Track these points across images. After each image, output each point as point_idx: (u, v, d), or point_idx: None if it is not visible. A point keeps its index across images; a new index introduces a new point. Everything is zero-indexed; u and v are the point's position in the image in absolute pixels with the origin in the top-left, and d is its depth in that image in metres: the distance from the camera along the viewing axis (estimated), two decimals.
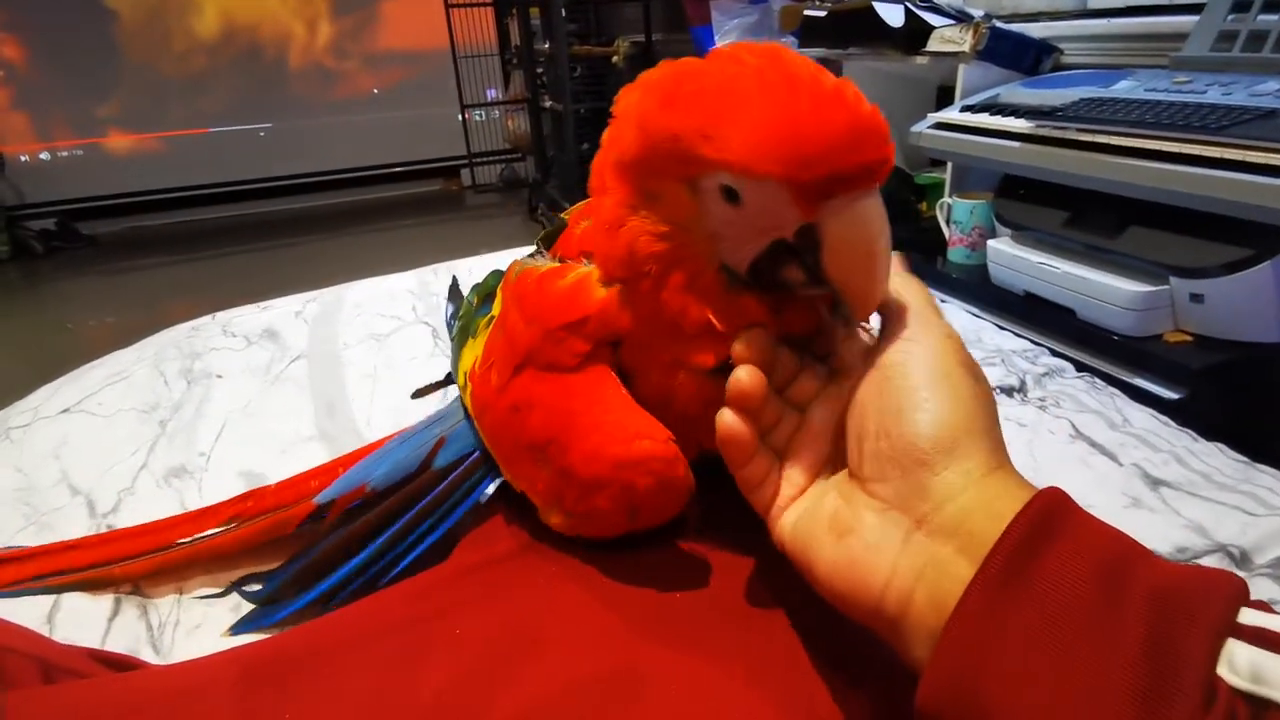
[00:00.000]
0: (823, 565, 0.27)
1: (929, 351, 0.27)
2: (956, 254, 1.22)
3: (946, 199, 1.26)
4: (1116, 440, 0.56)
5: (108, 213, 4.04)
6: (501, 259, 1.11)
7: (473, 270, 1.12)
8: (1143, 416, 0.60)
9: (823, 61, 1.96)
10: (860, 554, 0.25)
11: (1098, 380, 0.67)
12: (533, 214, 3.66)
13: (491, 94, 4.24)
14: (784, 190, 0.26)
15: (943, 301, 0.88)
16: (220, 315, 1.06)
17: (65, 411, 0.74)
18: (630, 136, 0.29)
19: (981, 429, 0.25)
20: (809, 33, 1.62)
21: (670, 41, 3.08)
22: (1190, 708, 0.17)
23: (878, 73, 1.59)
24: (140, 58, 3.90)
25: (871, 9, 1.39)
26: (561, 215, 0.43)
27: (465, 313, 0.47)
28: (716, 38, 1.94)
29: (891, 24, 1.35)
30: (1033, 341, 0.80)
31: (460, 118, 4.15)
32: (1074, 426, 0.58)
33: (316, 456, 0.64)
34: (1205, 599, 0.19)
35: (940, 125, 1.22)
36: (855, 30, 1.48)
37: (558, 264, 0.35)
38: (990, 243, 1.10)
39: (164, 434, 0.69)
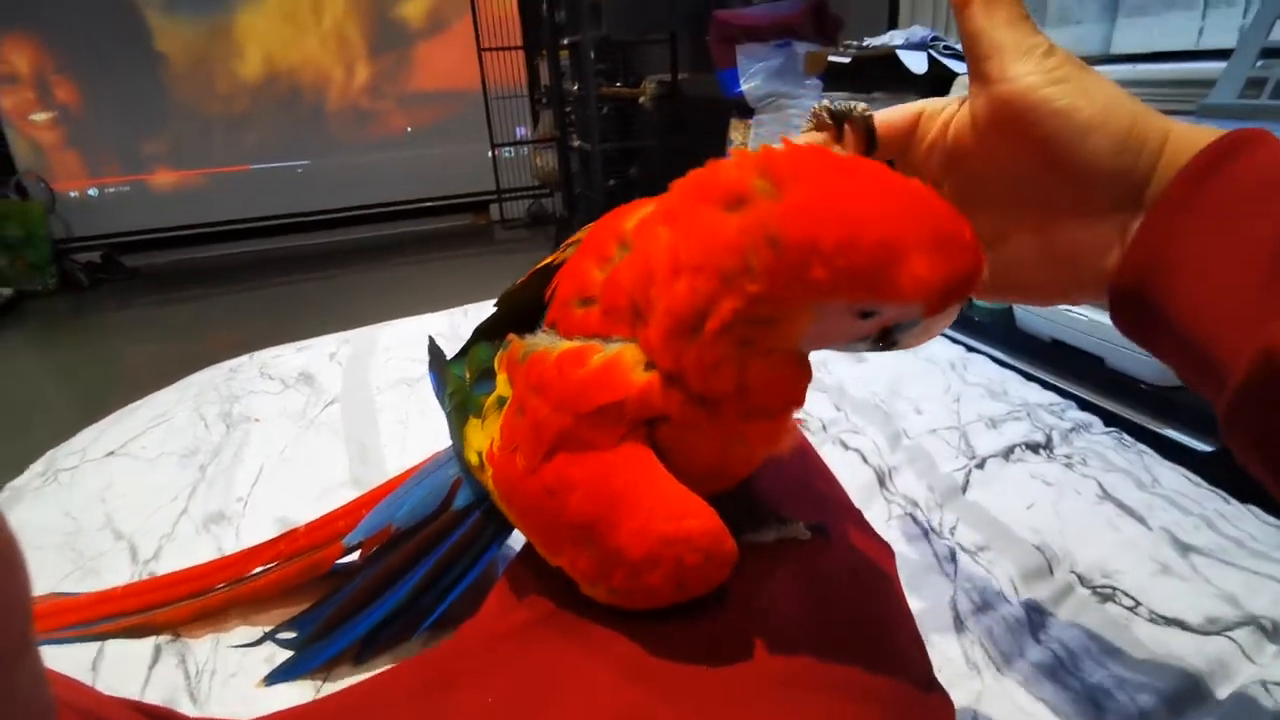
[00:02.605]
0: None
1: (1040, 78, 0.27)
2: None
3: None
4: (1145, 502, 0.56)
5: (151, 246, 4.19)
6: None
7: None
8: (1173, 476, 0.60)
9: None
10: (1069, 264, 0.29)
11: (1125, 436, 0.67)
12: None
13: (521, 132, 4.34)
14: (922, 310, 0.27)
15: (969, 351, 0.88)
16: (258, 355, 1.09)
17: (111, 454, 0.77)
18: (760, 264, 0.27)
19: (1133, 104, 0.27)
20: (833, 78, 1.65)
21: (696, 80, 3.14)
22: None
23: None
24: (187, 98, 4.07)
25: (895, 56, 1.41)
26: (546, 262, 0.41)
27: (458, 389, 0.46)
28: (742, 81, 1.98)
29: (915, 71, 1.37)
30: (1060, 392, 0.80)
31: (490, 155, 4.26)
32: (1101, 486, 0.58)
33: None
34: None
35: None
36: (879, 76, 1.50)
37: (572, 344, 0.35)
38: None
39: (203, 479, 0.71)
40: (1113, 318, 0.27)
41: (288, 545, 0.55)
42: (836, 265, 0.25)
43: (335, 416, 0.83)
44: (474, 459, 0.41)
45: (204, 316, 3.43)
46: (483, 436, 0.40)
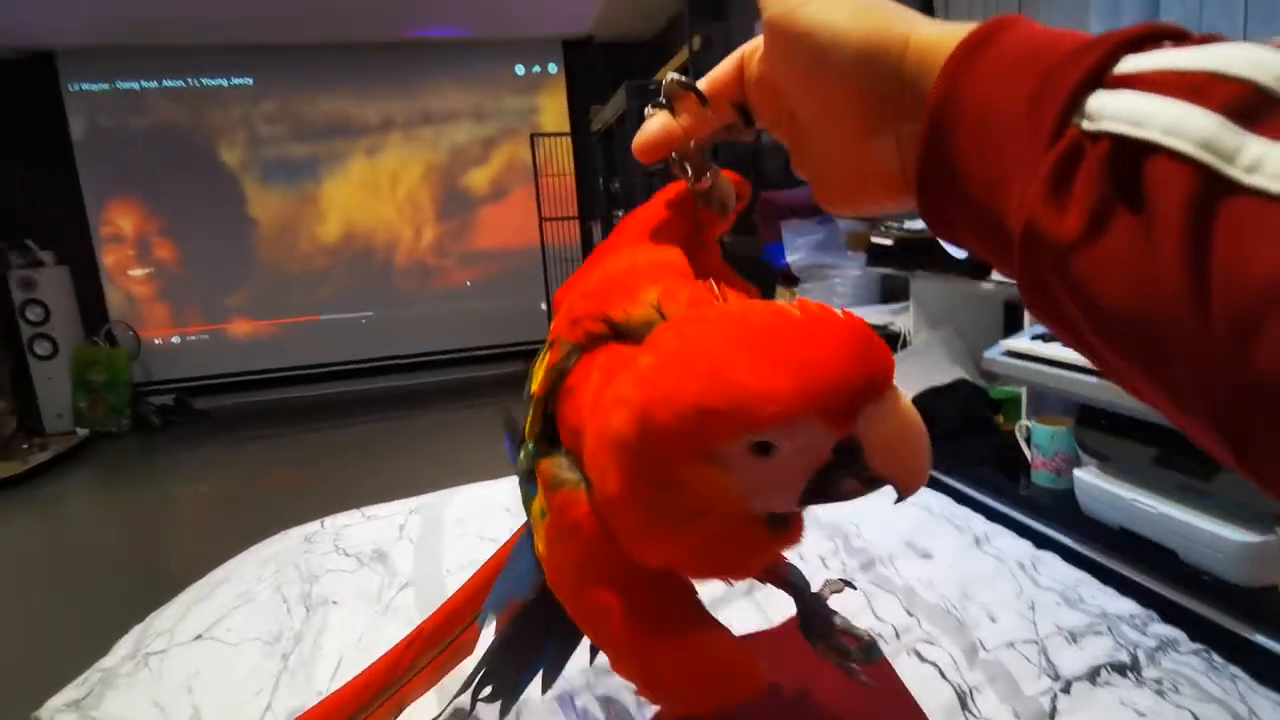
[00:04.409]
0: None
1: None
2: (1041, 477, 1.22)
3: (1025, 421, 1.27)
4: None
5: (222, 389, 4.43)
6: None
7: None
8: (1269, 707, 0.58)
9: (892, 281, 2.07)
10: (868, 174, 0.30)
11: (1215, 656, 0.65)
12: None
13: None
14: (817, 423, 0.27)
15: (1038, 547, 0.87)
16: (329, 523, 1.14)
17: (198, 638, 0.80)
18: (631, 428, 0.29)
19: (875, 18, 0.27)
20: (876, 255, 1.75)
21: (741, 242, 3.32)
22: (1041, 143, 0.21)
23: (945, 289, 1.68)
24: (271, 257, 4.45)
25: (935, 241, 1.50)
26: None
27: (522, 471, 0.46)
28: (787, 254, 2.10)
29: (955, 255, 1.45)
30: (1138, 595, 0.78)
31: (544, 306, 4.50)
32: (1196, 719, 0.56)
33: (424, 699, 0.67)
34: (1080, 61, 0.21)
35: (1012, 353, 1.26)
36: (920, 258, 1.59)
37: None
38: (1077, 473, 1.09)
39: (286, 669, 0.73)
40: (923, 218, 0.28)
41: (422, 643, 0.60)
42: (677, 405, 0.27)
43: (410, 601, 0.86)
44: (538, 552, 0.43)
45: (268, 457, 3.55)
46: (538, 540, 0.42)
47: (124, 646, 0.83)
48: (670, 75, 0.35)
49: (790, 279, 2.16)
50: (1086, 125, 0.20)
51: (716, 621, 0.37)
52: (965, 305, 1.72)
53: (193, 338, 4.43)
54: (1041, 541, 0.92)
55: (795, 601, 0.46)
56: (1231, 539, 0.86)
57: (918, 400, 1.55)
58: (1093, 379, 1.08)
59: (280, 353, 4.47)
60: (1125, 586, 0.82)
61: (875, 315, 1.91)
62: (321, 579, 0.92)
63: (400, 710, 0.60)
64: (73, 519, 3.10)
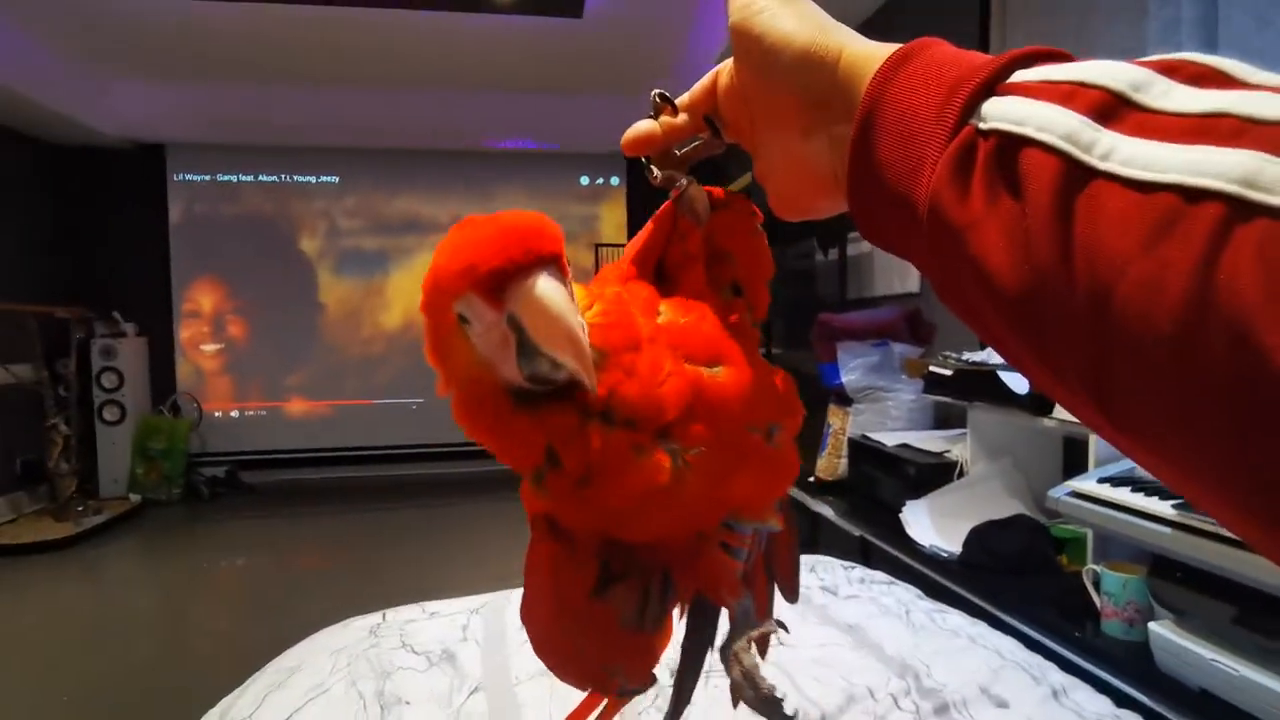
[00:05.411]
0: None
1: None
2: (1113, 627, 1.19)
3: (1094, 566, 1.25)
4: None
5: (272, 464, 4.54)
6: None
7: None
8: None
9: (946, 408, 2.09)
10: (807, 174, 0.33)
11: None
12: None
13: None
14: (476, 299, 0.31)
15: (1119, 705, 0.85)
16: (391, 616, 1.16)
17: None
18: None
19: (815, 28, 0.31)
20: (934, 384, 1.78)
21: (790, 357, 3.38)
22: (941, 140, 0.25)
23: (1003, 422, 1.69)
24: (334, 341, 4.66)
25: (995, 375, 1.53)
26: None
27: None
28: (842, 374, 2.15)
29: (1016, 391, 1.48)
30: None
31: None
32: None
33: None
34: (979, 74, 0.25)
35: (1078, 494, 1.26)
36: (980, 390, 1.61)
37: None
38: (1153, 627, 1.07)
39: None
40: (851, 214, 0.30)
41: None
42: (425, 285, 0.34)
43: (480, 708, 0.87)
44: None
45: (310, 535, 3.60)
46: None
47: None
48: (655, 90, 0.41)
49: (843, 399, 2.19)
50: (980, 125, 0.24)
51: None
52: (1024, 439, 1.72)
53: (250, 413, 4.59)
54: (1119, 697, 0.89)
55: (729, 623, 0.46)
56: None
57: (976, 531, 1.53)
58: (1166, 529, 1.07)
59: (331, 433, 4.60)
60: None
61: (931, 441, 1.92)
62: (393, 676, 0.93)
63: None
64: (116, 584, 3.14)
